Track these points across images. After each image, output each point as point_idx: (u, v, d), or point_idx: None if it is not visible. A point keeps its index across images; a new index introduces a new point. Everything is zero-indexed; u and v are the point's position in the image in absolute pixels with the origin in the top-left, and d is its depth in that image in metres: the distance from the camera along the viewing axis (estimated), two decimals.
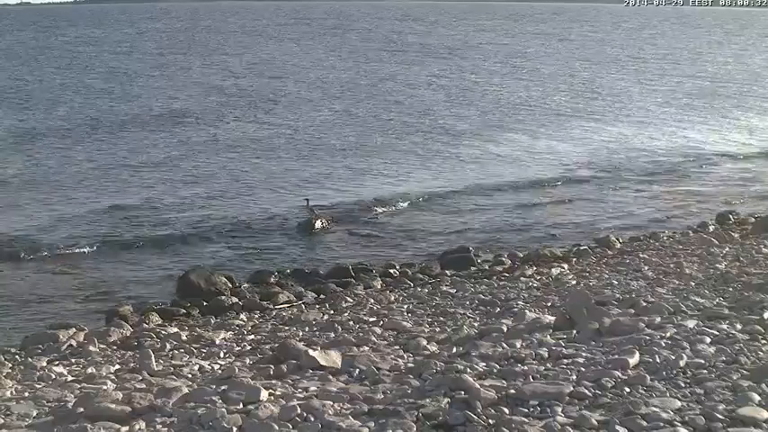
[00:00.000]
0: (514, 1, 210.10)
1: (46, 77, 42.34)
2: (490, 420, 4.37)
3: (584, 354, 5.68)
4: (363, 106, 32.87)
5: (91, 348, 8.67)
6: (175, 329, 9.71)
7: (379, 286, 11.95)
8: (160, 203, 17.63)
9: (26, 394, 6.46)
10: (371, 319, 9.34)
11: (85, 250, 14.36)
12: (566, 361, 5.53)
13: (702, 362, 5.19)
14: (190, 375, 6.94)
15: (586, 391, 4.72)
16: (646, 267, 10.99)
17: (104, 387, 6.44)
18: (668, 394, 4.65)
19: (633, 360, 5.24)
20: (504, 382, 5.07)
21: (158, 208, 17.28)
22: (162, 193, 18.60)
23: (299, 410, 4.70)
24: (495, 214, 17.18)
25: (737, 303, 7.36)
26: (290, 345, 6.89)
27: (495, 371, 5.43)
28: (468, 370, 5.43)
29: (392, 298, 10.84)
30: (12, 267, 13.39)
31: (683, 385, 4.79)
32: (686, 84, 42.84)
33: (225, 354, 8.05)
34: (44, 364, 7.99)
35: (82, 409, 5.29)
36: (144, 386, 6.31)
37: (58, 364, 7.90)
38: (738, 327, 6.15)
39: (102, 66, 48.81)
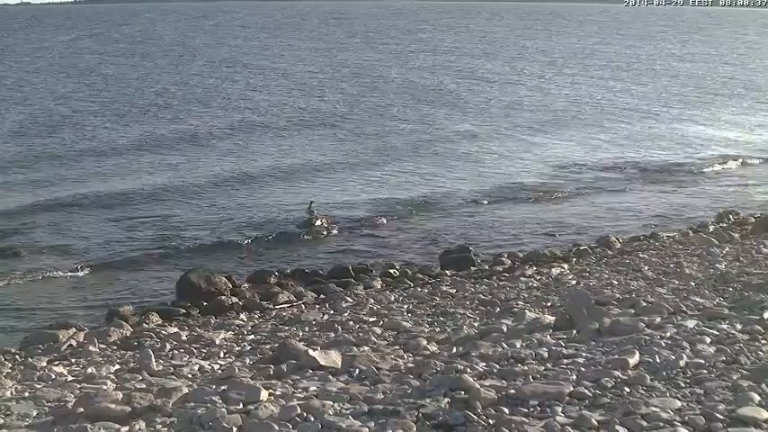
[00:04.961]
0: (512, 1, 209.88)
1: (42, 78, 42.41)
2: (490, 420, 4.36)
3: (584, 354, 5.67)
4: (363, 107, 32.87)
5: (91, 348, 8.67)
6: (175, 329, 9.71)
7: (379, 286, 11.95)
8: (160, 204, 17.63)
9: (26, 394, 6.45)
10: (371, 319, 9.33)
11: (86, 250, 14.36)
12: (566, 361, 5.52)
13: (702, 362, 5.18)
14: (190, 375, 6.93)
15: (586, 391, 4.71)
16: (646, 267, 10.98)
17: (104, 387, 6.43)
18: (668, 394, 4.64)
19: (633, 360, 5.23)
20: (504, 382, 5.07)
21: (158, 208, 17.29)
22: (162, 193, 18.60)
23: (299, 410, 4.69)
24: (494, 214, 17.18)
25: (737, 303, 7.35)
26: (290, 345, 6.88)
27: (495, 371, 5.42)
28: (469, 370, 5.42)
29: (392, 298, 10.84)
30: (12, 267, 13.39)
31: (683, 385, 4.79)
32: (687, 84, 42.85)
33: (225, 354, 8.04)
34: (44, 364, 7.98)
35: (82, 409, 5.28)
36: (144, 386, 6.30)
37: (58, 364, 7.89)
38: (738, 327, 6.14)
39: (104, 68, 48.85)
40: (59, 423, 5.13)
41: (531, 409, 4.51)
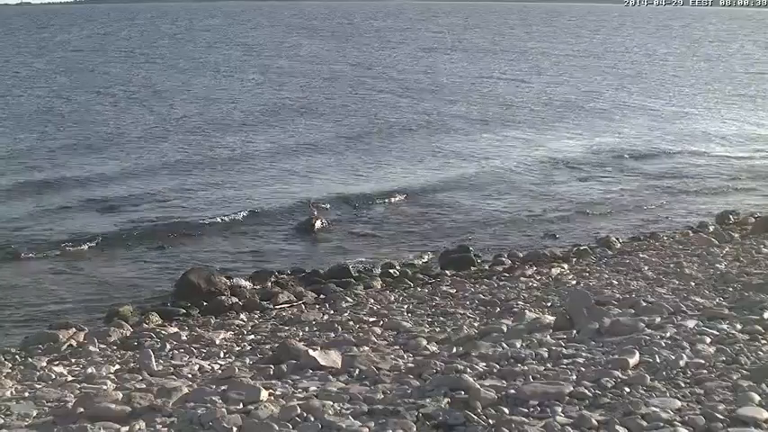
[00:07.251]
0: (509, 1, 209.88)
1: (39, 76, 42.43)
2: (490, 420, 4.36)
3: (584, 354, 5.67)
4: (362, 106, 32.88)
5: (91, 348, 8.67)
6: (175, 329, 9.71)
7: (379, 286, 11.94)
8: (160, 204, 17.63)
9: (26, 394, 6.45)
10: (371, 319, 9.33)
11: (86, 250, 14.36)
12: (566, 361, 5.52)
13: (702, 362, 5.18)
14: (190, 375, 6.93)
15: (586, 391, 4.71)
16: (646, 267, 10.98)
17: (104, 387, 6.44)
18: (668, 394, 4.63)
19: (633, 360, 5.23)
20: (504, 382, 5.06)
21: (159, 208, 17.28)
22: (162, 193, 18.60)
23: (299, 410, 4.69)
24: (495, 214, 17.17)
25: (737, 303, 7.35)
26: (290, 345, 6.89)
27: (495, 371, 5.42)
28: (469, 370, 5.42)
29: (392, 298, 10.84)
30: (12, 267, 13.38)
31: (683, 385, 4.78)
32: (688, 83, 42.84)
33: (225, 354, 8.04)
34: (44, 364, 7.99)
35: (82, 409, 5.28)
36: (144, 386, 6.30)
37: (58, 364, 7.90)
38: (738, 327, 6.13)
39: (106, 65, 48.90)
40: (59, 423, 5.13)
41: (531, 409, 4.50)
